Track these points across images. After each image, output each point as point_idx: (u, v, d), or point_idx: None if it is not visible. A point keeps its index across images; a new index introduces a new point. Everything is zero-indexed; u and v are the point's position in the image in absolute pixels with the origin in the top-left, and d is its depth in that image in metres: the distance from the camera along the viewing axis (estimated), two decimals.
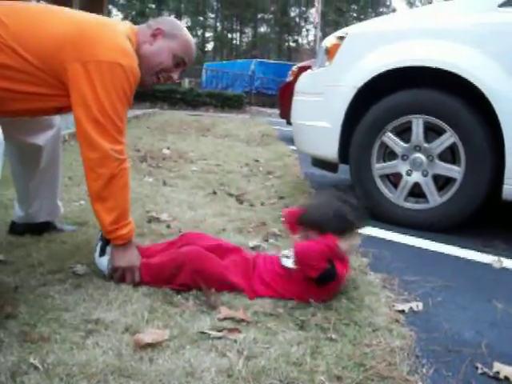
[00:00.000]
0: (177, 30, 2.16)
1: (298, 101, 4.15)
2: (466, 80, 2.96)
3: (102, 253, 2.08)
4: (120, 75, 1.90)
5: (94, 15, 2.09)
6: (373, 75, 3.30)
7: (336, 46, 3.61)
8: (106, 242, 2.09)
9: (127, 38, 2.02)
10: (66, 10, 2.06)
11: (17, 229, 2.53)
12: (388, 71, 3.24)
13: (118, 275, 2.03)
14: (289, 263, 2.05)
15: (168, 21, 2.21)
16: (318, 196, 2.16)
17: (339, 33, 3.74)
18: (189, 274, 1.97)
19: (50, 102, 2.01)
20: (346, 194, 2.19)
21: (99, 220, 2.00)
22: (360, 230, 2.21)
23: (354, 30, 3.64)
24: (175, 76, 2.20)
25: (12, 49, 1.83)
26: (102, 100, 1.87)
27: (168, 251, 2.14)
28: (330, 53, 3.66)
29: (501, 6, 2.96)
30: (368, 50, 3.40)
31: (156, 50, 2.11)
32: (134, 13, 49.25)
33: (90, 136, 1.89)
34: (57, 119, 2.48)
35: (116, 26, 2.03)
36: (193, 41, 2.23)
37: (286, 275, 2.03)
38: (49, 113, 2.23)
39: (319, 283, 1.96)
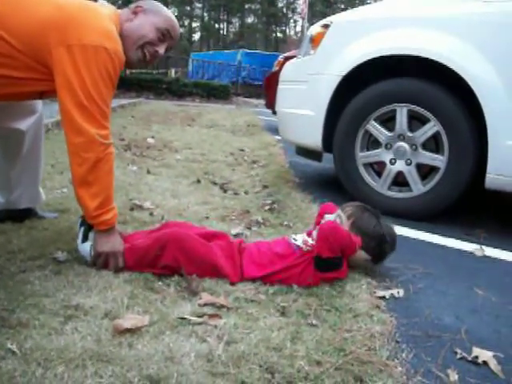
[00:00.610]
0: (158, 7, 2.16)
1: (283, 89, 4.14)
2: (449, 69, 2.97)
3: (85, 239, 2.07)
4: (105, 58, 1.87)
5: None
6: (357, 64, 3.30)
7: (321, 35, 3.60)
8: (88, 227, 2.07)
9: (111, 21, 2.00)
10: None
11: None
12: (372, 60, 3.24)
13: (101, 261, 2.01)
14: (299, 243, 2.12)
15: (148, 1, 2.19)
16: (365, 206, 2.28)
17: (324, 21, 3.73)
18: (172, 253, 1.97)
19: (35, 86, 1.99)
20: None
21: (83, 205, 1.98)
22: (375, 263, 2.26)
23: (338, 19, 3.63)
24: (161, 50, 2.16)
25: None
26: (87, 84, 1.85)
27: (151, 235, 2.13)
28: (315, 41, 3.65)
29: None
30: (352, 39, 3.40)
31: (138, 24, 2.09)
32: (120, 1, 48.88)
33: (75, 121, 1.86)
34: (39, 105, 2.45)
35: (100, 10, 2.00)
36: (174, 18, 2.21)
37: (290, 254, 2.07)
38: (32, 97, 2.20)
39: (322, 267, 2.00)
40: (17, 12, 1.85)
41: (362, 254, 2.14)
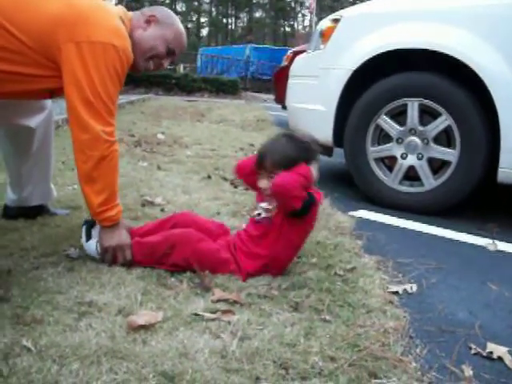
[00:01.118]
0: (171, 19, 2.17)
1: (293, 84, 4.14)
2: (461, 62, 2.95)
3: (88, 237, 2.08)
4: (113, 56, 1.88)
5: None
6: (367, 58, 3.29)
7: (331, 29, 3.59)
8: (90, 226, 2.09)
9: (121, 20, 2.00)
10: None
11: (10, 212, 2.52)
12: (383, 53, 3.23)
13: (109, 255, 2.02)
14: (264, 214, 2.06)
15: (162, 9, 2.21)
16: (263, 145, 2.15)
17: (334, 15, 3.72)
18: (181, 254, 1.97)
19: (44, 83, 1.99)
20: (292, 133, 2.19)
21: (88, 201, 1.99)
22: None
23: (348, 13, 3.62)
24: (165, 64, 2.22)
25: (4, 27, 1.80)
26: (94, 81, 1.86)
27: (160, 232, 2.13)
28: (325, 36, 3.64)
29: None
30: (363, 33, 3.38)
31: (150, 35, 2.10)
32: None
33: (81, 117, 1.87)
34: (48, 102, 2.46)
35: (110, 8, 2.01)
36: (184, 32, 2.23)
37: (265, 230, 2.04)
38: (42, 95, 2.21)
39: (302, 213, 1.96)
40: (27, 9, 1.86)
41: (314, 171, 2.02)
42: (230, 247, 2.08)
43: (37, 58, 1.88)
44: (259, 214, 2.10)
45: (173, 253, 1.98)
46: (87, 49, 1.84)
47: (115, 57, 1.88)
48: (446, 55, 2.99)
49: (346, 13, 3.63)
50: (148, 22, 2.12)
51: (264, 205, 2.09)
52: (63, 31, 1.84)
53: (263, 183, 2.06)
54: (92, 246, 2.06)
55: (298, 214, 1.96)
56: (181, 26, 2.20)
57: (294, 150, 2.02)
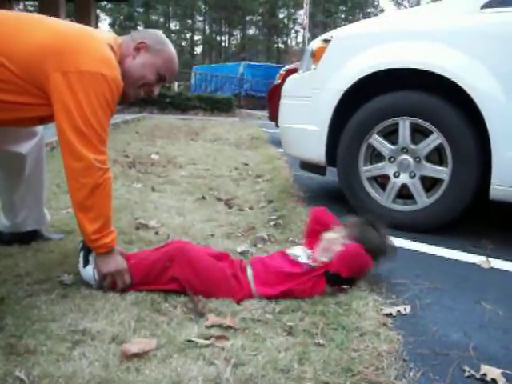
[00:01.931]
0: (160, 45, 2.14)
1: (285, 104, 4.16)
2: (451, 82, 2.97)
3: (86, 263, 2.07)
4: (102, 85, 1.88)
5: (75, 24, 2.08)
6: (358, 78, 3.31)
7: (322, 50, 3.62)
8: (87, 251, 2.08)
9: (110, 48, 2.00)
10: (47, 18, 2.05)
11: (3, 238, 2.52)
12: (373, 73, 3.25)
13: (108, 282, 2.02)
14: (305, 260, 2.17)
15: (152, 34, 2.18)
16: (363, 217, 2.44)
17: (324, 36, 3.75)
18: (180, 265, 1.99)
19: (33, 111, 2.00)
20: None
21: (82, 229, 1.99)
22: None
23: (339, 33, 3.65)
24: (156, 91, 2.20)
25: None
26: (84, 110, 1.86)
27: (158, 250, 2.15)
28: (316, 56, 3.67)
29: (483, 7, 2.98)
30: (353, 53, 3.41)
31: (139, 64, 2.10)
32: (122, 17, 49.11)
33: (73, 146, 1.87)
34: (40, 127, 2.46)
35: (98, 36, 2.01)
36: (176, 56, 2.21)
37: (302, 273, 2.10)
38: (33, 123, 2.21)
39: (335, 281, 2.09)
40: (16, 38, 1.87)
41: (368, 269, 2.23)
42: (235, 268, 2.11)
43: (27, 87, 1.89)
44: (297, 256, 2.20)
45: (172, 266, 1.99)
46: (75, 78, 1.84)
47: (104, 86, 1.88)
48: (437, 74, 3.01)
49: (336, 33, 3.66)
50: (137, 49, 2.10)
51: (311, 253, 2.23)
52: (51, 61, 1.85)
53: (333, 236, 2.26)
54: (89, 271, 2.06)
55: (333, 279, 2.09)
56: (172, 51, 2.18)
57: (378, 245, 2.25)
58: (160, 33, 2.23)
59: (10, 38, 1.86)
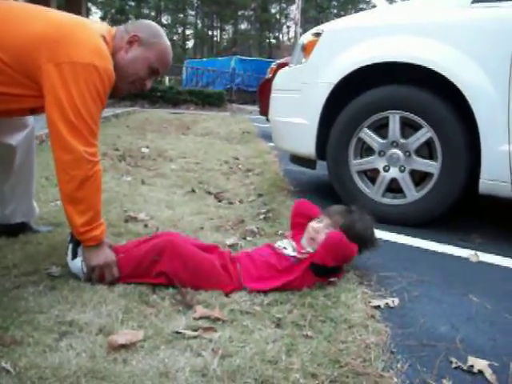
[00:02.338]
0: (154, 38, 2.11)
1: (276, 98, 4.15)
2: (441, 76, 2.97)
3: (75, 255, 2.06)
4: (94, 77, 1.87)
5: (69, 14, 2.05)
6: (349, 71, 3.31)
7: (312, 43, 3.61)
8: (76, 243, 2.07)
9: (103, 39, 1.98)
10: (40, 8, 2.02)
11: None
12: (364, 67, 3.25)
13: (96, 274, 2.01)
14: (292, 253, 2.16)
15: (146, 26, 2.14)
16: (356, 207, 2.41)
17: (315, 30, 3.74)
18: (169, 258, 1.98)
19: (25, 102, 1.98)
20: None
21: (70, 222, 1.98)
22: None
23: (330, 27, 3.65)
24: (148, 84, 2.18)
25: None
26: (76, 102, 1.85)
27: (147, 243, 2.13)
28: (307, 50, 3.66)
29: (473, 2, 2.98)
30: (344, 47, 3.41)
31: (131, 58, 2.07)
32: (113, 10, 48.85)
33: (63, 138, 1.86)
34: (30, 119, 2.44)
35: (91, 27, 1.99)
36: (169, 49, 2.18)
37: (288, 267, 2.10)
38: (23, 113, 2.20)
39: (321, 273, 2.09)
40: (8, 27, 1.85)
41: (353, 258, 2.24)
42: (225, 259, 2.11)
43: (18, 78, 1.87)
44: (285, 248, 2.19)
45: (160, 259, 1.98)
46: (68, 69, 1.83)
47: (96, 77, 1.87)
48: (428, 69, 3.01)
49: (327, 27, 3.66)
50: (130, 42, 2.07)
51: (296, 244, 2.22)
52: (43, 51, 1.83)
53: (317, 225, 2.24)
54: (77, 263, 2.05)
55: (319, 271, 2.08)
56: (165, 44, 2.15)
57: (363, 232, 2.26)
58: (154, 25, 2.19)
59: (2, 27, 1.84)
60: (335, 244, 2.07)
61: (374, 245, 2.31)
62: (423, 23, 3.18)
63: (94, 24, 2.06)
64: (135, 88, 2.18)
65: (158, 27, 2.19)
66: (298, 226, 2.37)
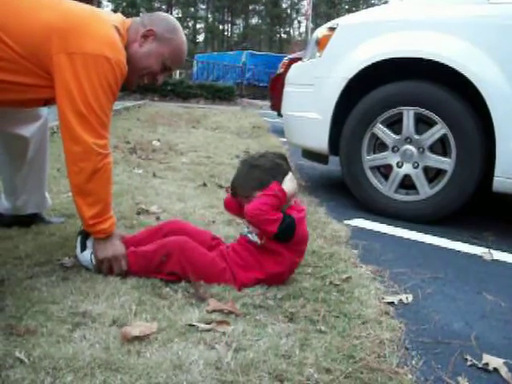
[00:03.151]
0: (170, 34, 2.08)
1: (289, 92, 4.14)
2: (457, 72, 2.95)
3: (83, 248, 2.06)
4: (106, 68, 1.85)
5: (82, 5, 2.03)
6: (363, 66, 3.29)
7: (327, 37, 3.60)
8: (85, 236, 2.07)
9: (116, 30, 1.96)
10: None
11: (4, 221, 2.50)
12: (378, 62, 3.23)
13: (105, 267, 2.01)
14: (255, 238, 2.04)
15: (163, 20, 2.11)
16: (234, 175, 2.18)
17: (330, 24, 3.72)
18: (178, 262, 1.96)
19: (37, 93, 1.97)
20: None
21: (80, 213, 1.97)
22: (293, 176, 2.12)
23: (344, 21, 3.63)
24: (160, 80, 2.16)
25: None
26: (86, 93, 1.83)
27: (154, 240, 2.11)
28: (321, 44, 3.65)
29: None
30: (359, 41, 3.39)
31: (145, 53, 2.05)
32: (124, 4, 48.82)
33: (73, 129, 1.85)
34: (44, 110, 2.44)
35: (105, 18, 1.97)
36: (185, 45, 2.15)
37: (257, 251, 2.02)
38: (37, 104, 2.19)
39: (283, 236, 1.94)
40: (20, 17, 1.83)
41: (285, 188, 1.99)
42: (225, 256, 2.07)
43: (29, 67, 1.86)
44: (250, 233, 2.07)
45: (168, 261, 1.96)
46: (79, 60, 1.81)
47: (108, 69, 1.85)
48: (443, 64, 2.99)
49: (342, 21, 3.64)
50: (145, 36, 2.04)
51: (252, 229, 2.07)
52: (56, 41, 1.82)
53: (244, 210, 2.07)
54: (87, 256, 2.04)
55: (280, 238, 1.95)
56: (181, 40, 2.12)
57: (256, 173, 2.04)
58: (171, 19, 2.15)
59: (15, 17, 1.83)
60: (251, 218, 1.94)
61: (281, 166, 2.06)
62: (440, 19, 3.16)
63: (108, 15, 2.04)
64: (146, 82, 2.17)
65: (175, 22, 2.15)
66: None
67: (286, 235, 1.95)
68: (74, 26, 1.85)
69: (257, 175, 2.03)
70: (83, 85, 1.83)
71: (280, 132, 7.06)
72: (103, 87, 1.87)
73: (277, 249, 1.99)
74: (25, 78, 1.88)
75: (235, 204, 2.19)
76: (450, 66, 2.96)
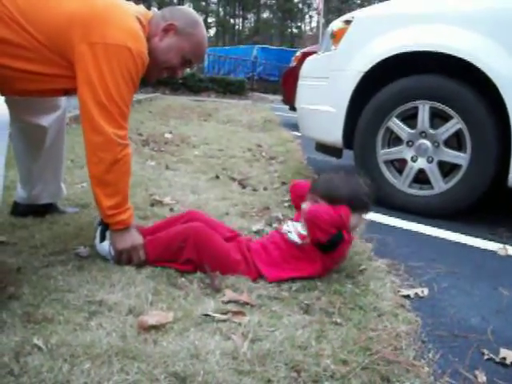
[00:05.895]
0: (191, 28, 2.07)
1: (303, 85, 4.12)
2: (473, 66, 2.93)
3: (102, 238, 2.06)
4: (127, 59, 1.85)
5: None
6: (379, 60, 3.26)
7: (342, 31, 3.57)
8: (105, 227, 2.06)
9: (139, 21, 1.96)
10: None
11: (19, 210, 2.52)
12: (394, 56, 3.21)
13: (124, 258, 2.01)
14: (295, 238, 2.07)
15: (184, 14, 2.10)
16: (328, 173, 2.21)
17: (346, 17, 3.70)
18: (194, 248, 1.96)
19: (58, 83, 1.97)
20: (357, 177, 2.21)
21: (98, 204, 1.97)
22: (366, 215, 2.19)
23: (360, 14, 3.60)
24: (180, 73, 2.17)
25: (19, 24, 1.78)
26: (108, 84, 1.83)
27: (174, 228, 2.11)
28: (336, 37, 3.62)
29: None
30: (374, 35, 3.36)
31: (165, 47, 2.05)
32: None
33: (94, 119, 1.85)
34: (62, 101, 2.44)
35: (128, 8, 1.96)
36: (205, 40, 2.14)
37: (295, 251, 2.04)
38: (56, 94, 2.19)
39: (327, 249, 1.98)
40: (42, 7, 1.83)
41: (354, 220, 2.06)
42: (242, 248, 2.07)
43: (51, 57, 1.86)
44: (289, 232, 2.10)
45: (186, 246, 1.96)
46: (101, 50, 1.81)
47: (129, 59, 1.85)
48: (459, 58, 2.97)
49: (357, 14, 3.61)
50: (166, 30, 2.04)
51: (298, 227, 2.10)
52: (78, 31, 1.82)
53: (304, 206, 2.11)
54: (105, 247, 2.05)
55: (323, 249, 1.99)
56: (201, 35, 2.12)
57: (346, 190, 2.07)
58: (192, 13, 2.14)
59: (38, 6, 1.83)
60: (309, 219, 1.96)
61: (363, 203, 2.11)
62: (456, 12, 3.13)
63: (130, 6, 2.03)
64: (165, 75, 2.17)
65: (197, 16, 2.14)
66: (298, 207, 2.29)
67: (328, 248, 1.99)
68: (97, 16, 1.85)
69: (342, 193, 2.06)
70: (105, 75, 1.83)
71: (291, 126, 7.07)
72: (124, 77, 1.86)
73: (314, 254, 2.02)
74: (44, 67, 1.88)
75: (302, 193, 2.23)
76: (468, 60, 2.93)
